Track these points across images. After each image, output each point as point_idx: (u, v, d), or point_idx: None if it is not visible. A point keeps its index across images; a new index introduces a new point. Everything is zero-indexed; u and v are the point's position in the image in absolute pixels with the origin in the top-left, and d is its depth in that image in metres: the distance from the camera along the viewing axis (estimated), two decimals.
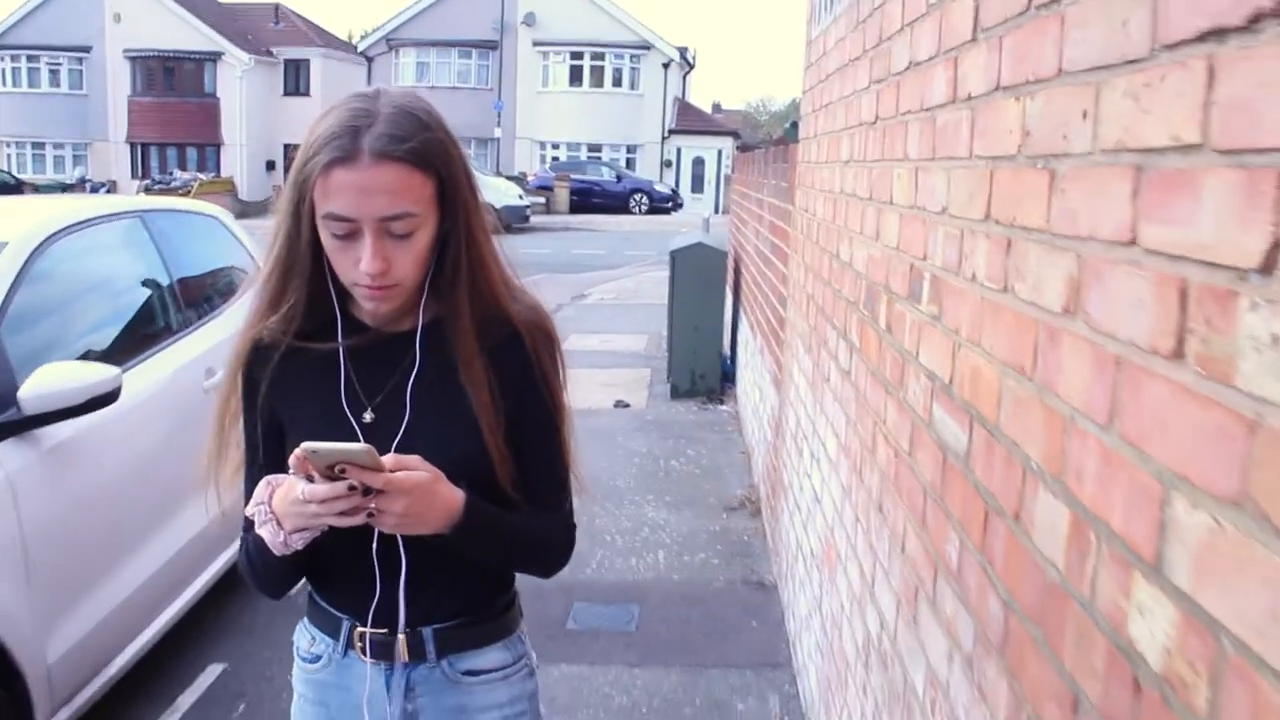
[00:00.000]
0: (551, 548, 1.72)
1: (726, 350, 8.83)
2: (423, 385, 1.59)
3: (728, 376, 8.68)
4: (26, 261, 3.40)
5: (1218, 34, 0.92)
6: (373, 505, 1.43)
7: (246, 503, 1.60)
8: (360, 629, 1.65)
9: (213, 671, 3.96)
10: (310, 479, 1.43)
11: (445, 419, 1.58)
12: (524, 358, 1.61)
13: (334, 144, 1.43)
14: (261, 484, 1.56)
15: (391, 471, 1.43)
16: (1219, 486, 0.90)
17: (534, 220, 29.56)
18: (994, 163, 1.58)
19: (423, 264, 1.53)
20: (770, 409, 5.42)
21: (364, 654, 1.66)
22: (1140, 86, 1.07)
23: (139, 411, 3.59)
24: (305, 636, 1.76)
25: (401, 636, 1.64)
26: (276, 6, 44.86)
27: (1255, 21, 0.86)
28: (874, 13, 2.69)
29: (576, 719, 3.65)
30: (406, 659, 1.66)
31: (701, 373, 8.56)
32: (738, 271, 8.35)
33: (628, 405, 8.35)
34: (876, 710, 2.39)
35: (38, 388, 3.05)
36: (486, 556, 1.64)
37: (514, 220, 27.70)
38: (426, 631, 1.65)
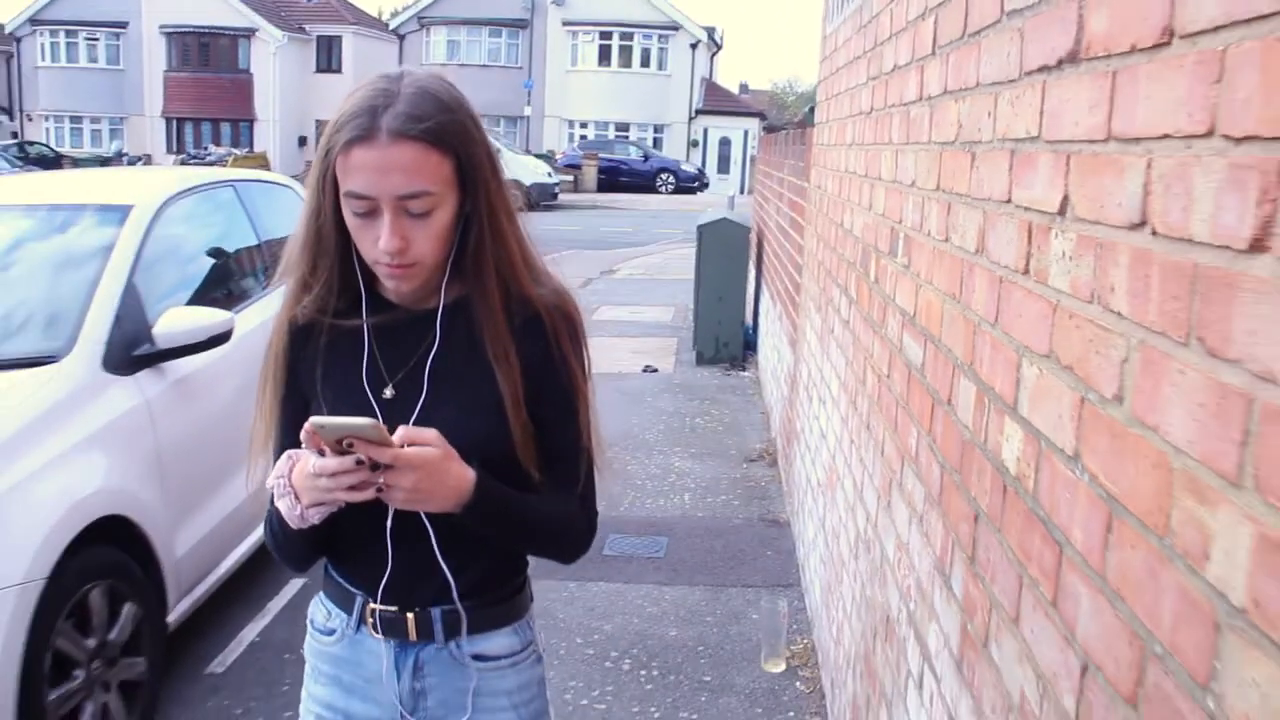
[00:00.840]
0: (569, 531, 1.71)
1: (749, 320, 9.38)
2: (442, 364, 1.61)
3: (749, 345, 9.24)
4: (151, 221, 4.00)
5: (1046, 68, 1.48)
6: (381, 480, 1.44)
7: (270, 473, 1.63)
8: (372, 605, 1.67)
9: (296, 583, 4.56)
10: (322, 453, 1.45)
11: (463, 398, 1.60)
12: (544, 339, 1.62)
13: (354, 123, 1.46)
14: (283, 458, 1.58)
15: (404, 445, 1.44)
16: (1041, 349, 1.46)
17: (562, 198, 30.15)
18: (942, 147, 2.14)
19: (443, 243, 1.55)
20: (787, 367, 5.99)
21: (375, 630, 1.68)
22: (1014, 97, 1.63)
23: (242, 351, 4.18)
24: (321, 610, 1.78)
25: (411, 615, 1.66)
26: None
27: (1062, 63, 1.42)
28: (871, 21, 3.24)
29: (614, 621, 4.24)
30: (415, 637, 1.67)
31: (725, 340, 9.13)
32: (760, 246, 8.90)
33: (656, 370, 8.93)
34: (862, 588, 2.96)
35: (168, 326, 3.64)
36: (499, 537, 1.64)
37: (543, 197, 28.31)
38: (435, 612, 1.66)
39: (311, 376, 1.65)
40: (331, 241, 1.58)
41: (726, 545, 5.09)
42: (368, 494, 1.46)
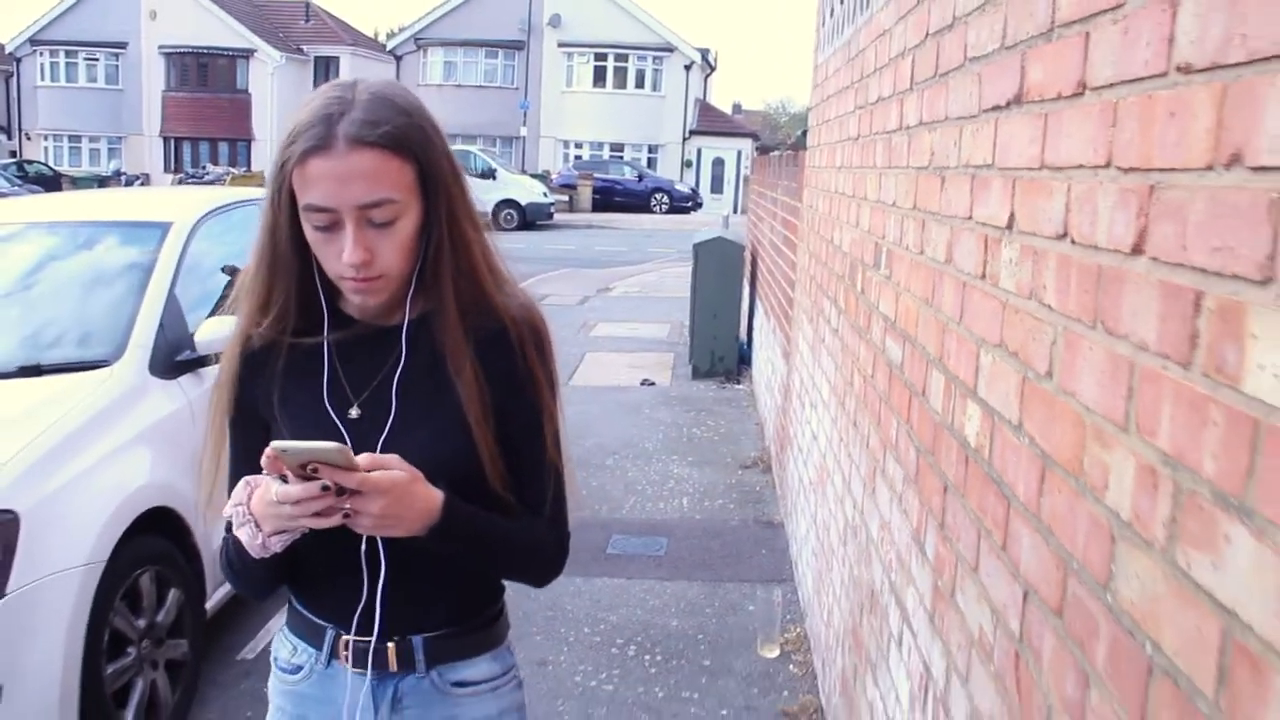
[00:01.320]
0: (540, 554, 1.66)
1: (743, 335, 9.69)
2: (409, 381, 1.56)
3: (744, 359, 9.54)
4: (188, 237, 4.29)
5: (998, 107, 1.78)
6: (348, 506, 1.39)
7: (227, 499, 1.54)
8: (345, 636, 1.61)
9: None
10: (284, 479, 1.39)
11: (432, 415, 1.55)
12: (510, 352, 1.57)
13: (310, 133, 1.41)
14: (240, 485, 1.50)
15: (368, 471, 1.39)
16: (994, 339, 1.76)
17: (558, 218, 30.48)
18: (918, 171, 2.45)
19: (408, 254, 1.50)
20: (780, 378, 6.29)
21: (349, 663, 1.61)
22: (974, 130, 1.94)
23: None
24: (285, 646, 1.71)
25: (392, 645, 1.60)
26: (307, 4, 45.99)
27: (1010, 104, 1.72)
28: (858, 55, 3.55)
29: (619, 613, 4.53)
30: (396, 668, 1.61)
31: (720, 355, 9.43)
32: (754, 264, 9.21)
33: (653, 383, 9.23)
34: (850, 570, 3.25)
35: (208, 334, 3.93)
36: (468, 560, 1.59)
37: (538, 217, 28.65)
38: (416, 640, 1.61)
39: (269, 399, 1.59)
40: (290, 260, 1.52)
41: (723, 545, 5.38)
42: (333, 520, 1.40)
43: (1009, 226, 1.70)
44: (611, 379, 9.23)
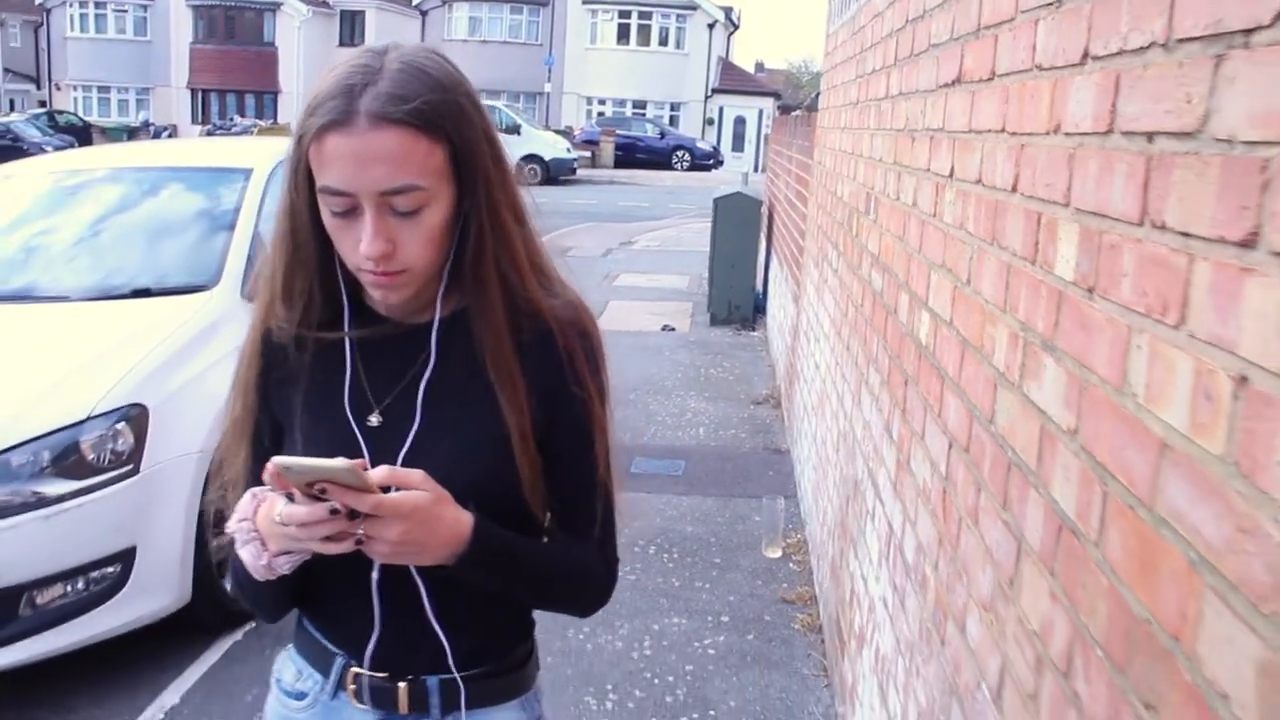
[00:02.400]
0: (586, 583, 1.49)
1: (759, 286, 10.24)
2: (438, 387, 1.39)
3: (759, 308, 10.10)
4: (267, 181, 4.87)
5: (947, 85, 2.34)
6: (361, 531, 1.23)
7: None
8: (355, 669, 1.45)
9: None
10: (290, 498, 1.23)
11: (462, 427, 1.38)
12: (557, 360, 1.40)
13: (328, 105, 1.24)
14: (246, 497, 1.34)
15: (385, 489, 1.23)
16: (939, 261, 2.32)
17: (580, 173, 30.97)
18: (897, 132, 3.00)
19: (436, 247, 1.32)
20: (790, 320, 6.86)
21: (357, 699, 1.45)
22: (933, 102, 2.50)
23: None
24: (290, 668, 1.54)
25: (404, 685, 1.43)
26: None
27: (954, 83, 2.27)
28: (860, 30, 4.09)
29: (640, 521, 5.13)
30: (406, 710, 1.45)
31: (737, 303, 10.00)
32: (771, 218, 9.75)
33: (673, 329, 9.81)
34: (840, 471, 3.84)
35: None
36: (501, 590, 1.41)
37: (561, 172, 29.15)
38: (432, 681, 1.43)
39: (286, 400, 1.44)
40: (310, 247, 1.35)
41: (735, 467, 5.98)
42: (345, 546, 1.24)
43: (950, 175, 2.26)
44: (634, 325, 9.81)
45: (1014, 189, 1.75)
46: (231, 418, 1.48)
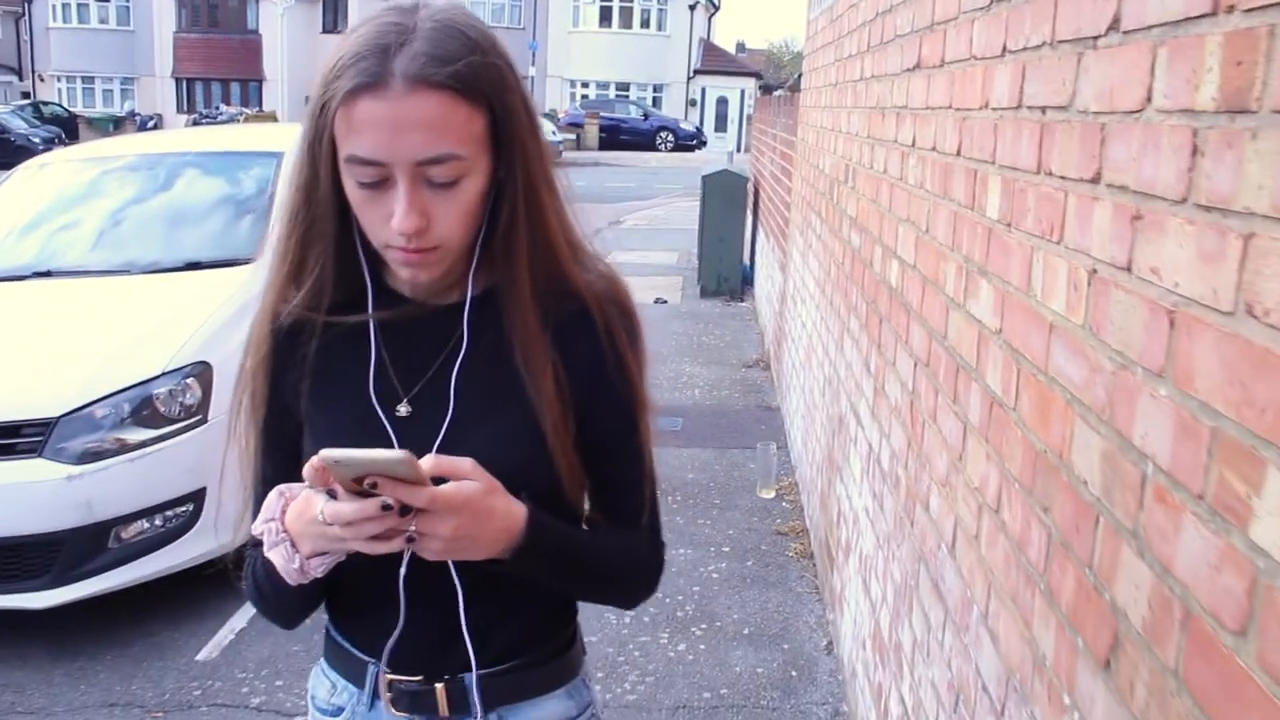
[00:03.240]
0: (637, 572, 1.44)
1: (746, 260, 10.71)
2: (471, 373, 1.31)
3: (747, 280, 10.58)
4: None
5: (909, 69, 2.81)
6: (412, 527, 1.13)
7: (254, 515, 1.32)
8: (390, 676, 1.37)
9: None
10: (332, 494, 1.15)
11: (499, 415, 1.30)
12: (594, 339, 1.33)
13: (358, 66, 1.14)
14: (273, 494, 1.26)
15: (434, 480, 1.14)
16: (904, 215, 2.79)
17: (566, 156, 31.30)
18: (870, 110, 3.47)
19: (471, 221, 1.24)
20: (778, 288, 7.34)
21: (394, 706, 1.38)
22: (898, 83, 2.96)
23: None
24: (324, 684, 1.47)
25: (441, 685, 1.36)
26: None
27: (914, 68, 2.74)
28: (837, 19, 4.55)
29: None
30: (446, 713, 1.37)
31: (726, 276, 10.48)
32: (757, 195, 10.21)
33: (665, 301, 10.28)
34: (826, 412, 4.32)
35: None
36: (552, 582, 1.35)
37: None
38: (469, 679, 1.36)
39: (298, 390, 1.34)
40: (328, 221, 1.25)
41: (729, 422, 6.47)
42: (394, 545, 1.15)
43: (913, 145, 2.73)
44: None
45: (958, 153, 2.22)
46: (236, 420, 1.39)
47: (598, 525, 1.40)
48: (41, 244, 4.93)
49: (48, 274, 4.67)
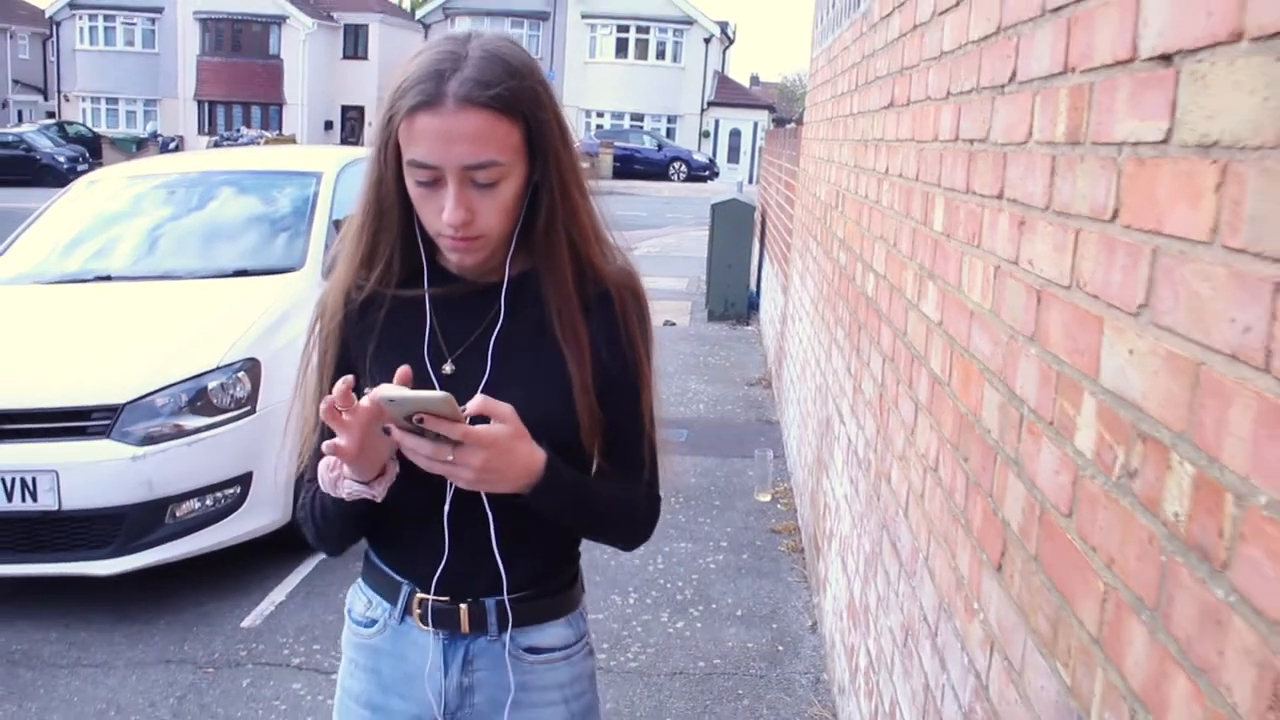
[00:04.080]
0: (635, 517, 1.68)
1: (753, 286, 11.14)
2: (506, 340, 1.55)
3: (753, 305, 11.01)
4: (335, 181, 5.76)
5: (885, 107, 3.24)
6: (449, 455, 1.36)
7: (314, 461, 1.55)
8: (421, 595, 1.61)
9: None
10: (387, 431, 1.37)
11: (527, 376, 1.53)
12: (613, 318, 1.58)
13: (419, 88, 1.39)
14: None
15: (476, 416, 1.37)
16: (879, 234, 3.21)
17: None
18: (856, 142, 3.89)
19: (509, 215, 1.49)
20: (779, 309, 7.76)
21: (422, 622, 1.62)
22: (877, 118, 3.39)
23: None
24: (361, 599, 1.71)
25: (464, 606, 1.60)
26: None
27: (889, 106, 3.17)
28: (834, 59, 4.99)
29: None
30: (467, 629, 1.61)
31: (733, 301, 10.92)
32: (764, 223, 10.66)
33: (674, 324, 10.71)
34: (817, 417, 4.72)
35: None
36: (566, 521, 1.59)
37: None
38: (489, 603, 1.60)
39: (363, 350, 1.57)
40: (394, 214, 1.52)
41: (731, 434, 6.88)
42: (437, 467, 1.39)
43: (886, 172, 3.15)
44: None
45: (917, 178, 2.65)
46: (305, 380, 1.62)
47: (606, 475, 1.61)
48: (99, 251, 5.39)
49: (108, 278, 5.12)
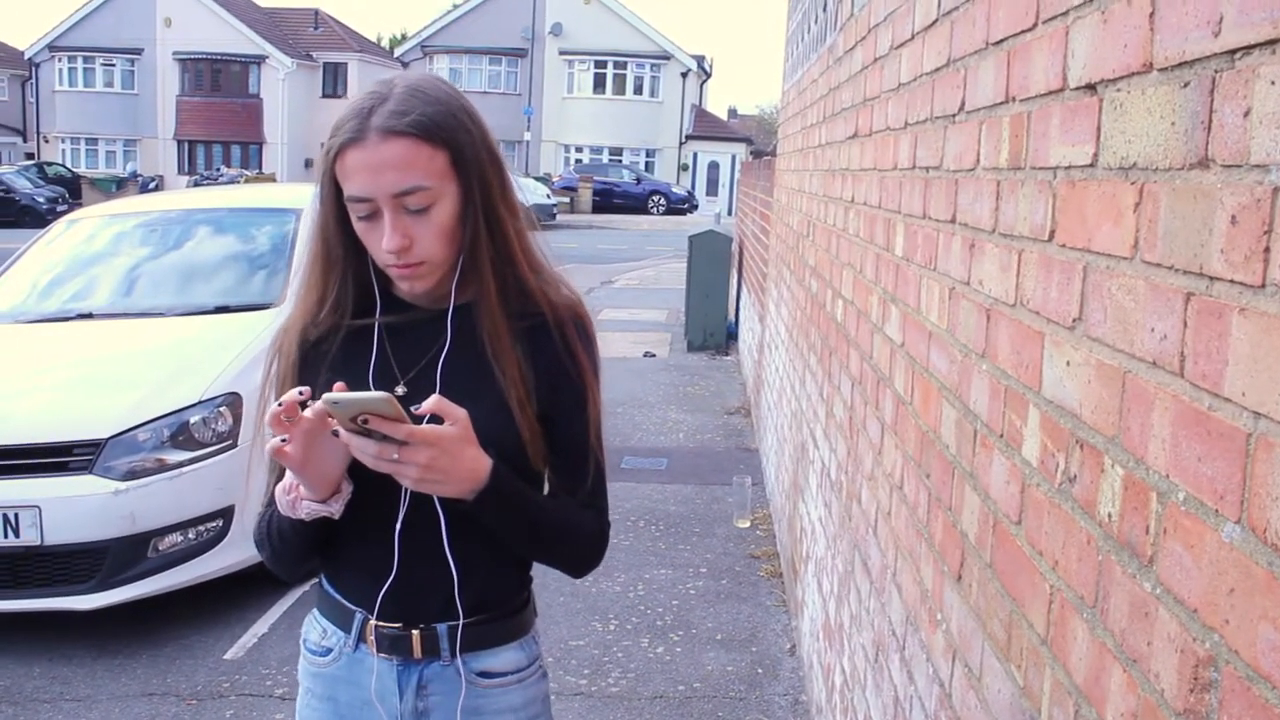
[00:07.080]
0: (581, 536, 1.69)
1: (731, 317, 11.24)
2: (453, 364, 1.60)
3: (732, 336, 11.10)
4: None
5: (850, 137, 3.33)
6: (395, 454, 1.41)
7: (273, 484, 1.63)
8: (374, 622, 1.63)
9: None
10: (336, 434, 1.42)
11: (474, 398, 1.54)
12: (552, 340, 1.62)
13: (347, 126, 1.47)
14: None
15: (427, 417, 1.44)
16: (847, 260, 3.30)
17: (560, 218, 32.03)
18: (826, 173, 3.98)
19: (450, 240, 1.54)
20: (756, 337, 7.84)
21: (376, 648, 1.64)
22: (844, 148, 3.48)
23: None
24: (316, 628, 1.75)
25: (416, 632, 1.63)
26: (316, 12, 47.60)
27: (853, 136, 3.26)
28: (802, 92, 5.10)
29: (631, 503, 6.06)
30: (420, 655, 1.64)
31: (711, 331, 11.01)
32: (741, 254, 10.76)
33: (654, 355, 10.79)
34: (793, 442, 4.79)
35: None
36: (511, 533, 1.61)
37: (542, 217, 29.98)
38: (441, 628, 1.63)
39: (315, 379, 1.59)
40: (340, 251, 1.59)
41: (710, 462, 6.94)
42: (383, 466, 1.43)
43: (852, 200, 3.24)
44: (618, 352, 10.77)
45: (879, 206, 2.73)
46: (267, 407, 1.55)
47: (556, 496, 1.68)
48: (80, 290, 5.43)
49: (89, 316, 5.17)
